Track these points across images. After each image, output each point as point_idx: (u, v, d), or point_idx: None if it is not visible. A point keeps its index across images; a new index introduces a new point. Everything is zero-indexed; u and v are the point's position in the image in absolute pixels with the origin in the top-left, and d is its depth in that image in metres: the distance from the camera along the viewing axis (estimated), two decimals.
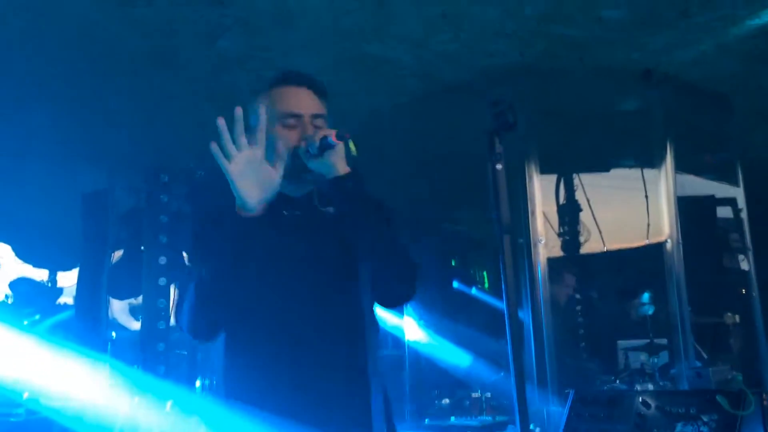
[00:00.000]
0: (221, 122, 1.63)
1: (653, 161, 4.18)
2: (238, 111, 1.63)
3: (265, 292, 1.74)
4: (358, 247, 1.74)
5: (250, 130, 1.71)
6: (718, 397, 2.38)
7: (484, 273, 7.41)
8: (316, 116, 1.82)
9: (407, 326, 6.77)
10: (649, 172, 5.29)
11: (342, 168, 1.74)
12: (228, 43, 3.70)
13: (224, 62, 3.94)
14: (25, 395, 4.94)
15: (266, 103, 1.79)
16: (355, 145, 1.71)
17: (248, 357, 1.76)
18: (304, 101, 1.83)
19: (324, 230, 1.82)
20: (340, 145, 1.71)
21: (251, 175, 1.64)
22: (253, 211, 1.64)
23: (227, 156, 1.63)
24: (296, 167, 1.76)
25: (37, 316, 6.19)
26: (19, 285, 6.49)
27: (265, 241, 1.67)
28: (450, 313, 6.76)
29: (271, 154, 1.69)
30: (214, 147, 1.65)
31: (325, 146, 1.70)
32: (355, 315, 1.76)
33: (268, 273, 1.73)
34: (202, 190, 5.70)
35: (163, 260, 5.31)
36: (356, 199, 1.73)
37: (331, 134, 1.70)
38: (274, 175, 1.66)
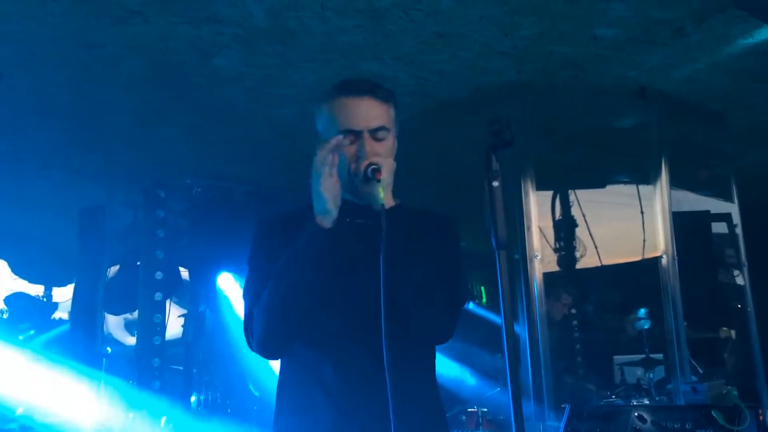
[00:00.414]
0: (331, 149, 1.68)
1: (648, 177, 4.21)
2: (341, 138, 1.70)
3: (332, 307, 1.70)
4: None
5: (319, 136, 1.78)
6: (714, 413, 2.39)
7: (482, 288, 7.42)
8: (376, 129, 1.74)
9: None
10: (644, 188, 5.32)
11: (386, 199, 1.67)
12: (224, 60, 3.73)
13: (221, 79, 3.96)
14: (19, 410, 4.91)
15: (327, 113, 1.77)
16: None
17: (311, 372, 1.70)
18: (362, 115, 1.73)
19: (391, 246, 1.67)
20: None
21: (330, 183, 1.66)
22: (332, 218, 1.66)
23: (328, 164, 1.65)
24: (356, 185, 1.73)
25: (32, 332, 6.17)
26: (14, 300, 6.48)
27: (333, 251, 1.67)
28: None
29: (339, 175, 1.70)
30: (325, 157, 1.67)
31: (369, 177, 1.68)
32: (410, 353, 1.73)
33: (336, 285, 1.70)
34: (200, 205, 5.71)
35: (159, 275, 5.31)
36: (391, 236, 1.62)
37: (375, 170, 1.67)
38: (338, 185, 1.68)
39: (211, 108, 4.37)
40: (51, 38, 3.47)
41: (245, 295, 1.77)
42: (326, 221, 1.65)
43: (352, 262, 1.74)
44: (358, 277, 1.71)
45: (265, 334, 1.67)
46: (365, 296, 1.66)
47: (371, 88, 1.76)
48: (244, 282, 1.80)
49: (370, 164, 1.67)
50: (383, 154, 1.73)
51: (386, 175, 1.68)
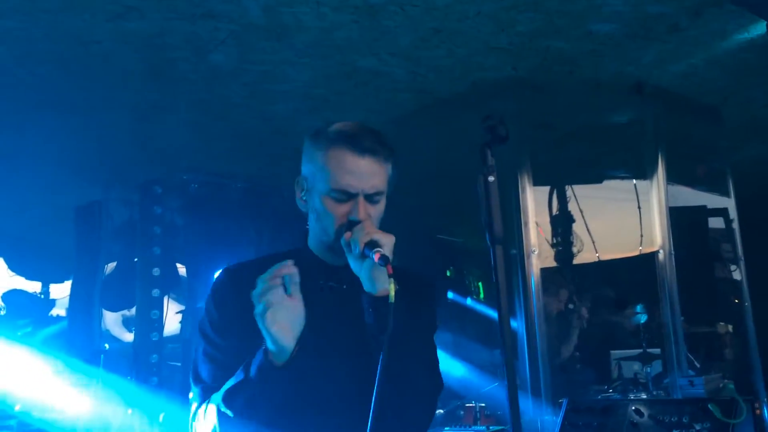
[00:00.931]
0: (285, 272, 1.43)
1: (645, 172, 4.22)
2: (290, 269, 1.44)
3: (302, 389, 1.51)
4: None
5: (300, 184, 1.62)
6: (711, 406, 2.40)
7: (479, 284, 7.43)
8: (374, 194, 1.58)
9: None
10: (641, 183, 5.34)
11: (381, 285, 1.49)
12: (220, 56, 3.72)
13: (217, 75, 3.96)
14: (17, 407, 4.91)
15: (321, 160, 1.57)
16: (396, 288, 1.42)
17: None
18: (363, 176, 1.56)
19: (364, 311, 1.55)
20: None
21: (280, 313, 1.43)
22: (288, 356, 1.44)
23: (270, 305, 1.42)
24: (339, 247, 1.56)
25: (30, 328, 6.17)
26: (11, 297, 6.47)
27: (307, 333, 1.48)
28: (444, 324, 6.76)
29: (316, 221, 1.58)
30: (262, 297, 1.43)
31: (367, 255, 1.48)
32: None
33: (306, 365, 1.50)
34: (197, 201, 5.70)
35: (156, 271, 5.31)
36: (385, 326, 1.41)
37: (377, 251, 1.45)
38: (300, 305, 1.47)
39: (207, 104, 4.36)
40: (47, 35, 3.46)
41: (194, 380, 1.58)
42: (282, 360, 1.44)
43: (331, 340, 1.57)
44: (336, 358, 1.57)
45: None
46: (343, 386, 1.55)
47: (375, 148, 1.58)
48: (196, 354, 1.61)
49: (374, 244, 1.47)
50: (375, 218, 1.59)
51: (389, 255, 1.47)
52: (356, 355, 1.54)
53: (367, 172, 1.56)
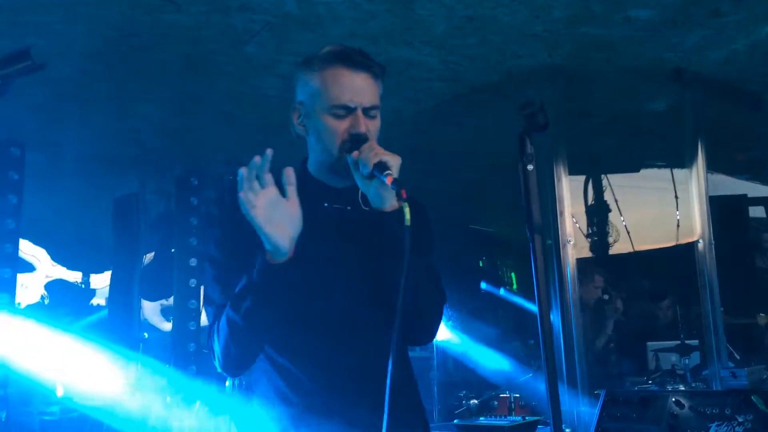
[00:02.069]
0: (254, 164, 1.48)
1: (684, 161, 4.14)
2: (257, 160, 1.48)
3: (306, 301, 1.60)
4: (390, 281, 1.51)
5: (297, 110, 1.68)
6: (754, 398, 2.36)
7: (512, 274, 7.39)
8: (370, 108, 1.65)
9: None
10: (679, 172, 5.25)
11: (389, 202, 1.57)
12: (256, 48, 3.75)
13: (253, 67, 3.99)
14: (60, 393, 5.05)
15: (318, 81, 1.64)
16: (410, 209, 1.44)
17: (290, 369, 1.63)
18: (360, 91, 1.63)
19: (367, 231, 1.62)
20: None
21: (275, 215, 1.48)
22: (286, 255, 1.50)
23: (249, 203, 1.47)
24: (341, 162, 1.62)
25: (72, 317, 6.32)
26: (54, 286, 6.64)
27: (303, 241, 1.53)
28: (478, 314, 6.75)
29: (317, 142, 1.65)
30: (242, 196, 1.48)
31: (376, 177, 1.53)
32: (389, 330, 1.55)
33: (310, 280, 1.59)
34: (230, 196, 5.77)
35: (193, 262, 5.40)
36: (395, 240, 1.50)
37: (388, 174, 1.50)
38: (296, 208, 1.52)
39: (242, 96, 4.40)
40: (86, 29, 3.52)
41: (206, 304, 1.68)
42: (280, 259, 1.50)
43: (333, 259, 1.64)
44: (340, 275, 1.63)
45: (224, 358, 1.59)
46: (349, 296, 1.62)
47: (370, 64, 1.66)
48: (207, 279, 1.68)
49: (383, 166, 1.52)
50: (374, 133, 1.66)
51: (396, 174, 1.52)
52: (357, 272, 1.63)
53: (363, 87, 1.63)
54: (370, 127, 1.65)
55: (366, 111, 1.64)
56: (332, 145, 1.63)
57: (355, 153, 1.57)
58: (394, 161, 1.54)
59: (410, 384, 1.74)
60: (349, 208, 1.68)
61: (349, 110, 1.62)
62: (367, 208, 1.64)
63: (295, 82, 1.71)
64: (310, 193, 1.61)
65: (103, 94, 4.34)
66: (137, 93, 4.34)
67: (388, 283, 1.51)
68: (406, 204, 1.43)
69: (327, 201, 1.67)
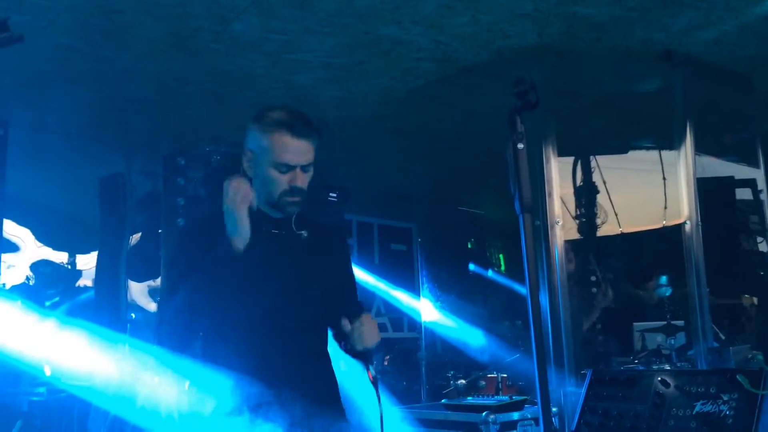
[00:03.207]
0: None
1: (672, 142, 4.14)
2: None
3: (252, 305, 2.07)
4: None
5: (247, 155, 2.15)
6: (739, 377, 2.38)
7: (500, 256, 7.41)
8: (306, 165, 2.12)
9: (423, 308, 6.80)
10: (667, 154, 5.26)
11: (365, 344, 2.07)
12: (242, 25, 3.70)
13: (239, 45, 3.94)
14: (48, 374, 5.02)
15: (266, 141, 2.09)
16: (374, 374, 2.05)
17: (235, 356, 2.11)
18: (301, 154, 2.09)
19: (299, 251, 2.18)
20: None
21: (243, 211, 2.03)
22: (246, 240, 2.01)
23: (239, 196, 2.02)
24: (282, 204, 2.14)
25: (58, 298, 6.28)
26: (39, 267, 6.59)
27: (256, 258, 2.02)
28: (466, 296, 6.77)
29: (262, 186, 2.12)
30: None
31: (361, 356, 2.09)
32: (318, 327, 2.20)
33: (257, 287, 2.06)
34: (217, 177, 5.73)
35: None
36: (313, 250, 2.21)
37: (369, 372, 2.05)
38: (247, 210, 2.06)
39: (229, 74, 4.35)
40: (70, 5, 3.45)
41: (163, 303, 2.07)
42: (241, 243, 1.99)
43: (270, 268, 2.12)
44: (272, 281, 2.11)
45: (169, 334, 2.15)
46: (278, 295, 2.11)
47: (308, 133, 2.10)
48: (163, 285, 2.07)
49: (368, 358, 2.07)
50: (306, 181, 2.14)
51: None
52: (291, 283, 2.14)
53: (302, 151, 2.10)
54: (304, 178, 2.13)
55: (303, 168, 2.11)
56: (275, 192, 2.11)
57: (347, 324, 2.04)
58: (377, 344, 2.06)
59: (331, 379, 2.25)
60: (284, 232, 2.16)
61: (290, 168, 2.09)
62: (300, 232, 2.20)
63: (247, 131, 2.17)
64: (254, 219, 2.04)
65: (88, 73, 4.27)
66: (122, 71, 4.27)
67: (312, 294, 2.16)
68: (375, 373, 2.04)
69: (265, 227, 2.12)
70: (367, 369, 2.03)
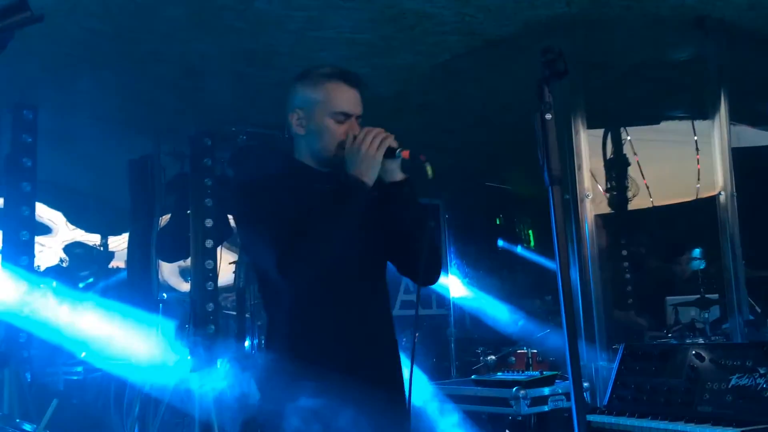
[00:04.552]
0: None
1: (706, 112, 4.02)
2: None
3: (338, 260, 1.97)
4: (397, 241, 2.07)
5: (297, 114, 2.07)
6: None
7: (530, 232, 7.34)
8: (359, 117, 2.08)
9: (452, 285, 6.79)
10: (700, 124, 5.13)
11: (399, 175, 2.04)
12: (265, 4, 3.67)
13: (262, 24, 3.91)
14: (83, 354, 5.13)
15: (320, 94, 2.04)
16: (432, 168, 1.90)
17: (318, 320, 1.98)
18: (356, 103, 2.07)
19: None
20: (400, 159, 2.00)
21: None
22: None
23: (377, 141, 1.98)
24: (338, 157, 2.03)
25: (92, 279, 6.40)
26: (73, 249, 6.71)
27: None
28: (495, 271, 6.74)
29: (316, 140, 2.05)
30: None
31: (389, 155, 1.96)
32: (384, 285, 2.13)
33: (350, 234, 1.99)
34: (247, 154, 5.75)
35: (209, 223, 5.40)
36: (410, 203, 2.05)
37: (398, 147, 1.97)
38: None
39: (253, 53, 4.34)
40: None
41: (275, 232, 1.94)
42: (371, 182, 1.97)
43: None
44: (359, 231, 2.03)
45: (307, 264, 1.92)
46: (363, 244, 2.05)
47: (359, 83, 2.09)
48: (260, 228, 1.98)
49: (390, 149, 1.97)
50: None
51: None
52: (367, 242, 2.06)
53: (356, 100, 2.08)
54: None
55: (357, 118, 2.07)
56: (331, 144, 2.04)
57: (345, 142, 2.01)
58: (388, 136, 1.99)
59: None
60: (334, 187, 2.04)
61: (347, 117, 2.04)
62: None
63: (291, 93, 2.12)
64: (304, 176, 2.05)
65: (114, 55, 4.29)
66: (147, 53, 4.29)
67: (380, 249, 2.09)
68: (427, 164, 1.90)
69: (318, 183, 2.05)
70: (398, 154, 1.97)
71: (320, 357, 1.93)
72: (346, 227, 1.94)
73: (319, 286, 1.96)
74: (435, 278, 2.19)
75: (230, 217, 5.98)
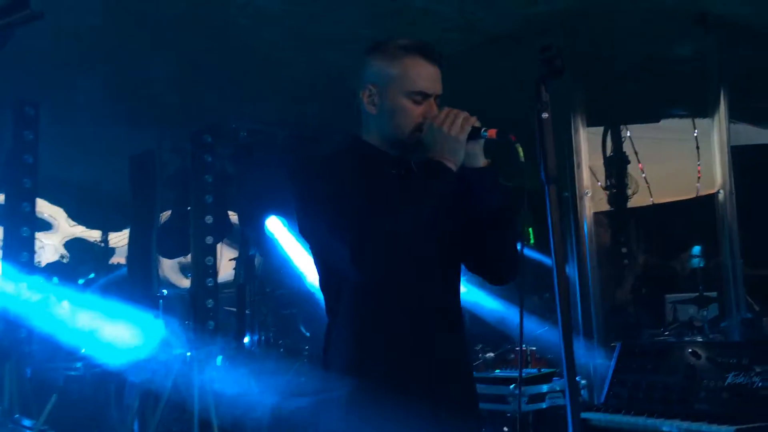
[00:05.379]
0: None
1: (706, 110, 4.02)
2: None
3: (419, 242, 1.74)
4: (479, 233, 1.81)
5: (369, 90, 1.80)
6: None
7: (530, 229, 7.33)
8: (438, 97, 1.83)
9: None
10: (701, 122, 5.13)
11: (483, 159, 1.82)
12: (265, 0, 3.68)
13: (264, 19, 3.92)
14: (83, 350, 5.15)
15: (396, 70, 1.79)
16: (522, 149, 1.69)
17: (383, 324, 1.73)
18: (435, 81, 1.81)
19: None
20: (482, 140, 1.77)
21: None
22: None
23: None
24: (412, 140, 1.80)
25: (92, 275, 6.41)
26: (74, 245, 6.72)
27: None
28: None
29: (389, 120, 1.79)
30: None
31: (474, 136, 1.74)
32: (459, 286, 1.87)
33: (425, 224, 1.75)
34: (247, 150, 5.75)
35: (209, 219, 5.42)
36: (496, 191, 1.83)
37: (485, 127, 1.74)
38: None
39: (255, 50, 4.34)
40: None
41: (344, 219, 1.68)
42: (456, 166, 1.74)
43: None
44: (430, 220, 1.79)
45: (387, 255, 1.65)
46: (433, 236, 1.78)
47: (439, 59, 1.83)
48: (327, 210, 1.71)
49: (475, 129, 1.75)
50: None
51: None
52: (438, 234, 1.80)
53: (437, 78, 1.82)
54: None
55: (436, 99, 1.82)
56: (406, 126, 1.79)
57: (446, 121, 1.74)
58: (471, 117, 1.76)
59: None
60: (402, 172, 1.84)
61: (426, 97, 1.79)
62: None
63: (364, 66, 1.85)
64: (374, 158, 1.81)
65: (115, 51, 4.30)
66: (149, 49, 4.29)
67: (456, 239, 1.80)
68: (518, 144, 1.68)
69: (387, 167, 1.83)
70: (484, 134, 1.73)
71: (389, 372, 1.70)
72: (429, 217, 1.68)
73: (391, 285, 1.72)
74: (515, 275, 1.95)
75: (230, 213, 5.99)
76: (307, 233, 1.80)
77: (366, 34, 4.11)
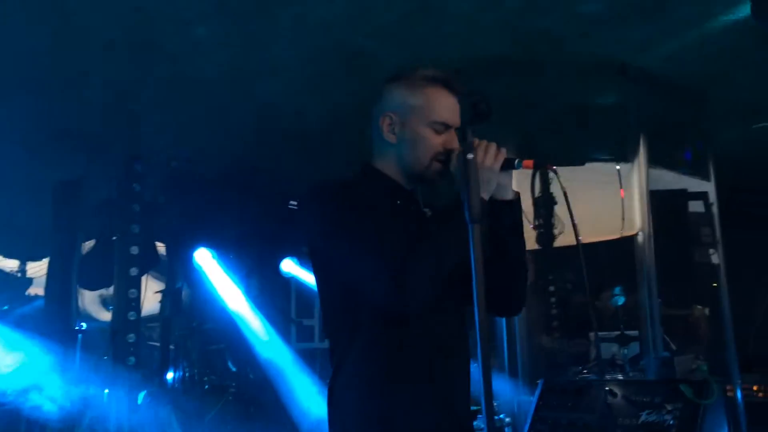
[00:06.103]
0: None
1: (627, 155, 4.21)
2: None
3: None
4: (497, 268, 1.77)
5: (389, 118, 1.81)
6: (682, 387, 2.42)
7: None
8: (458, 129, 1.84)
9: None
10: (623, 166, 5.34)
11: (511, 192, 1.86)
12: (204, 30, 3.65)
13: (199, 50, 3.89)
14: None
15: (418, 99, 1.81)
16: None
17: (402, 361, 1.70)
18: (457, 113, 1.82)
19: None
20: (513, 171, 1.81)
21: None
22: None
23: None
24: (430, 169, 1.81)
25: (7, 306, 6.10)
26: None
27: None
28: None
29: (410, 149, 1.80)
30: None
31: (507, 166, 1.77)
32: (466, 321, 1.83)
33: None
34: (177, 180, 5.64)
35: (135, 250, 5.26)
36: (520, 226, 1.86)
37: (518, 158, 1.77)
38: None
39: (189, 80, 4.29)
40: (23, 5, 3.37)
41: (388, 252, 1.64)
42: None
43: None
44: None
45: (425, 291, 1.64)
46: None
47: (461, 90, 1.85)
48: (350, 242, 1.68)
49: (509, 161, 1.78)
50: None
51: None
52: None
53: (458, 110, 1.82)
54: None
55: (456, 130, 1.83)
56: (425, 156, 1.79)
57: (479, 151, 1.74)
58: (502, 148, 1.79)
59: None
60: (412, 207, 1.85)
61: (447, 128, 1.81)
62: (425, 209, 1.88)
63: (384, 94, 1.86)
64: (387, 189, 1.81)
65: (44, 76, 4.17)
66: (79, 75, 4.18)
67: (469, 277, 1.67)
68: (555, 171, 1.79)
69: (399, 199, 1.83)
70: (518, 165, 1.75)
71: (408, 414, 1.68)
72: (461, 251, 1.60)
73: (415, 320, 1.67)
74: (521, 309, 1.94)
75: (158, 244, 5.82)
76: (335, 265, 1.72)
77: (310, 70, 4.12)
